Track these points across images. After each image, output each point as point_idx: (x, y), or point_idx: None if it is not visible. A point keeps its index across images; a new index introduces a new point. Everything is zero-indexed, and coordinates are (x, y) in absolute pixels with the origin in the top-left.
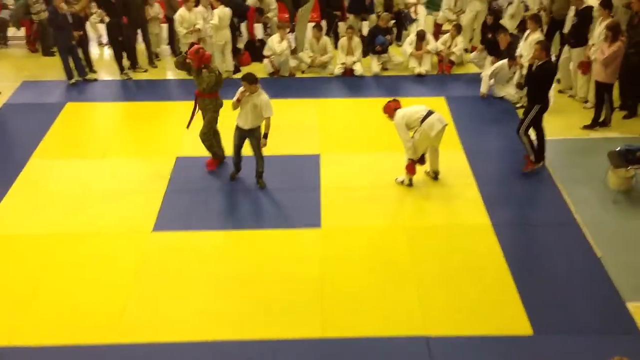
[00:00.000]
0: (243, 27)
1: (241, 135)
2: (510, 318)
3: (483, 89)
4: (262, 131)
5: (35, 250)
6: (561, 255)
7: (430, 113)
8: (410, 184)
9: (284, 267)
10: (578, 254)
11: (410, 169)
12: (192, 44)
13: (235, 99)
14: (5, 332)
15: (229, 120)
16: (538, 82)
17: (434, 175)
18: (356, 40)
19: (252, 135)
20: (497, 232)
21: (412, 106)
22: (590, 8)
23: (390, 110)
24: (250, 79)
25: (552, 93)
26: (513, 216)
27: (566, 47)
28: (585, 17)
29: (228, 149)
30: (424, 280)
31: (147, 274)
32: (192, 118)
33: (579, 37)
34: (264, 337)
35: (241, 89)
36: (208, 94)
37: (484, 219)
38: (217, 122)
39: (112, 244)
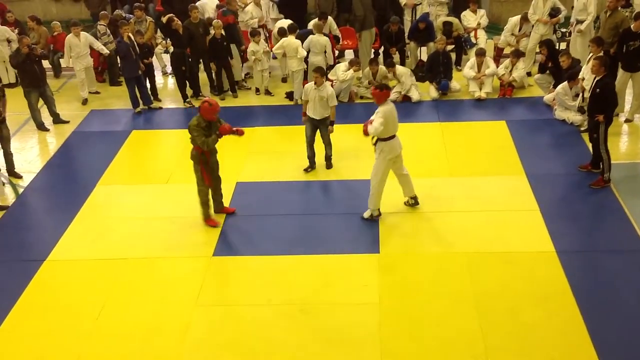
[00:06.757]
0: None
1: (313, 124)
2: (576, 349)
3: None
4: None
5: (100, 275)
6: (630, 283)
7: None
8: (379, 214)
9: (342, 294)
10: None
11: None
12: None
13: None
14: (71, 355)
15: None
16: (599, 97)
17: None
18: (399, 69)
19: (322, 124)
20: (561, 259)
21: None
22: None
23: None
24: (323, 72)
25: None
26: (578, 243)
27: (620, 72)
28: None
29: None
30: (486, 308)
31: (208, 299)
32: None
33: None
34: None
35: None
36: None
37: (547, 246)
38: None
39: (174, 268)
